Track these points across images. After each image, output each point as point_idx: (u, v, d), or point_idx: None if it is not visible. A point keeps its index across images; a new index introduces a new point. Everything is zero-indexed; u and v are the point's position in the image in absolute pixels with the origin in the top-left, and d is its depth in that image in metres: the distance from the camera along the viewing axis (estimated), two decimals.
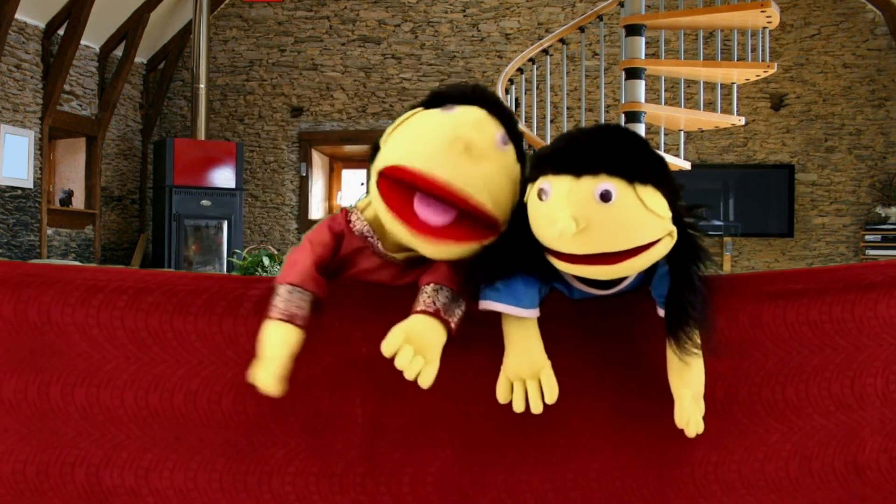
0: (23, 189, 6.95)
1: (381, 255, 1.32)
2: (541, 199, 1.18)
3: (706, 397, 1.29)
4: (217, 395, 1.29)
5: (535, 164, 1.22)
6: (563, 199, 1.14)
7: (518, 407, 1.24)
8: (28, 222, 7.00)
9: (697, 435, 1.28)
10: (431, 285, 1.24)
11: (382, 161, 1.23)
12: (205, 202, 7.87)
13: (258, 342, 1.23)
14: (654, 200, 1.15)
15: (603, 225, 1.13)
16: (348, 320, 1.31)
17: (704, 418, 1.28)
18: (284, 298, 1.23)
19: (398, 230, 1.22)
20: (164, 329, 1.29)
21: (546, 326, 1.30)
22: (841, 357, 1.34)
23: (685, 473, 1.32)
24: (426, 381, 1.18)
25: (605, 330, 1.32)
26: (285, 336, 1.22)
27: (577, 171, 1.14)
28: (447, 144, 1.17)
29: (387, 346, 1.18)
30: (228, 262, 7.79)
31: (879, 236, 7.66)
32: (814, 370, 1.34)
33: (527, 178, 1.23)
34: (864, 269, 1.35)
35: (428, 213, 1.19)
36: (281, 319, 1.22)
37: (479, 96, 1.28)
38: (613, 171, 1.13)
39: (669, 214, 1.18)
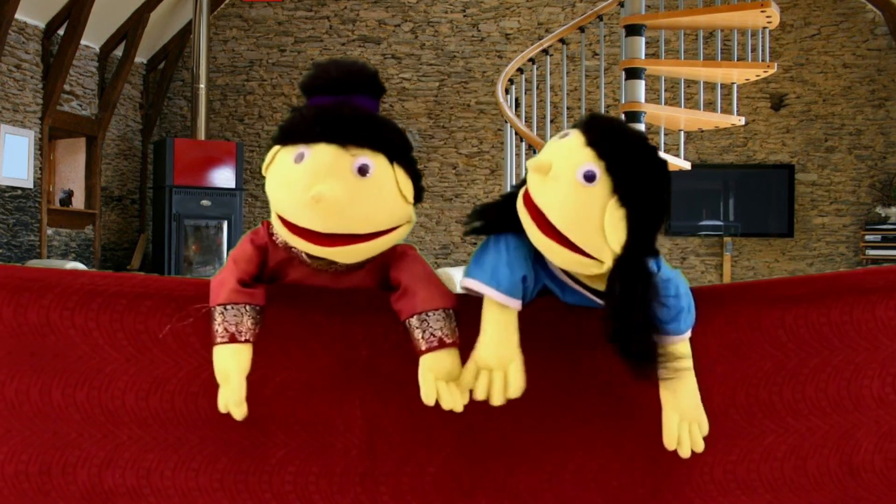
0: (23, 189, 6.95)
1: (309, 265, 1.30)
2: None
3: (704, 399, 1.29)
4: (217, 396, 1.29)
5: None
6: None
7: (478, 395, 1.21)
8: (28, 222, 7.01)
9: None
10: (415, 318, 1.24)
11: (271, 201, 1.24)
12: (205, 202, 7.87)
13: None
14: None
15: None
16: (349, 322, 1.31)
17: None
18: (220, 321, 1.24)
19: (299, 244, 1.22)
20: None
21: (545, 328, 1.31)
22: (838, 359, 1.34)
23: (682, 474, 1.32)
24: (465, 400, 1.23)
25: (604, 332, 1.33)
26: (232, 356, 1.23)
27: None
28: (307, 205, 1.15)
29: (428, 397, 1.20)
30: None
31: (879, 236, 7.66)
32: (811, 372, 1.34)
33: None
34: (863, 274, 1.37)
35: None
36: (223, 342, 1.23)
37: (329, 130, 1.20)
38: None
39: None
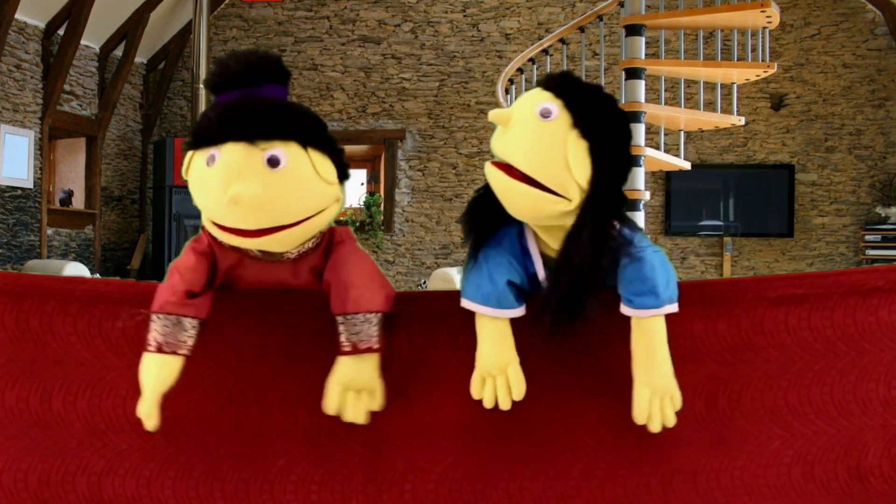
0: (23, 189, 6.94)
1: (262, 258, 1.28)
2: None
3: (709, 404, 1.29)
4: (219, 404, 1.29)
5: None
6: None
7: (487, 403, 1.26)
8: (28, 222, 7.00)
9: (700, 441, 1.28)
10: (338, 318, 1.25)
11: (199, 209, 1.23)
12: None
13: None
14: None
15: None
16: None
17: (707, 424, 1.29)
18: (153, 329, 1.23)
19: (232, 241, 1.20)
20: None
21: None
22: (843, 362, 1.34)
23: (687, 480, 1.31)
24: (376, 408, 1.26)
25: (607, 337, 1.32)
26: (154, 366, 1.22)
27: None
28: (229, 208, 1.14)
29: (330, 406, 1.23)
30: None
31: (879, 236, 7.65)
32: (816, 375, 1.33)
33: None
34: (865, 273, 1.35)
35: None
36: (149, 351, 1.22)
37: (233, 128, 1.17)
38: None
39: None
